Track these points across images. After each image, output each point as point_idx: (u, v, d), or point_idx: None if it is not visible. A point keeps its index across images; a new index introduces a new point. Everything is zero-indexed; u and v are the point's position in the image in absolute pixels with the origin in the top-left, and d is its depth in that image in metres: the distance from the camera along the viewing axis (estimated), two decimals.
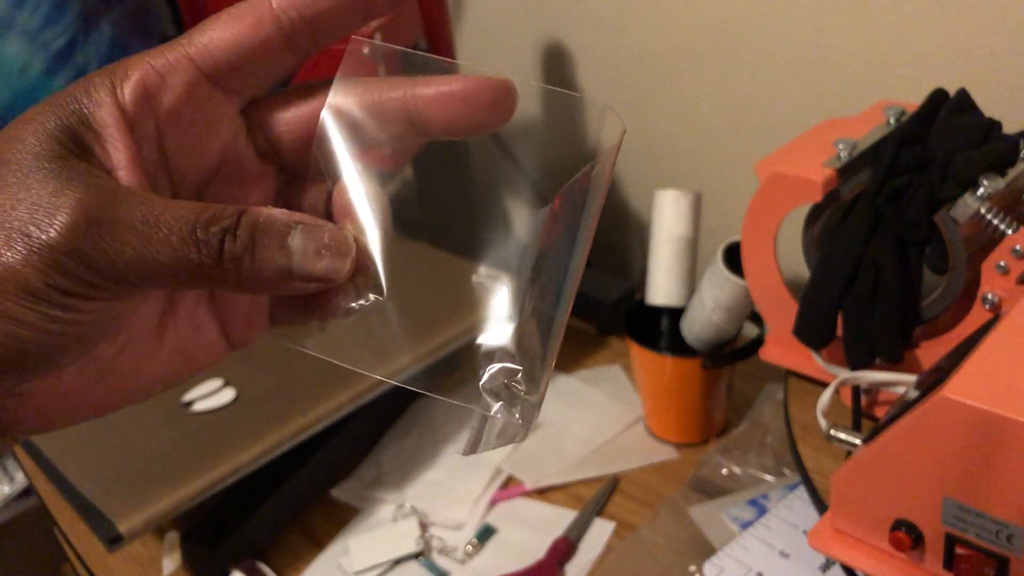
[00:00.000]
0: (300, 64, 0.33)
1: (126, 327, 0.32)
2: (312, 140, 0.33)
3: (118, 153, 0.29)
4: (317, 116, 0.33)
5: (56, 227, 0.27)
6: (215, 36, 0.31)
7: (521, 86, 0.34)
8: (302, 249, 0.29)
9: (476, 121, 0.33)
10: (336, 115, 0.33)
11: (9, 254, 0.26)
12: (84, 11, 1.11)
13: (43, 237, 0.27)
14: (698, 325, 0.81)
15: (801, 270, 0.71)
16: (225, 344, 0.35)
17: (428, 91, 0.33)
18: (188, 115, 0.31)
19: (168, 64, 0.30)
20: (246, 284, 0.29)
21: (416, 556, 0.77)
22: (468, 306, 0.91)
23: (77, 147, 0.29)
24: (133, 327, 0.32)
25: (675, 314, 0.86)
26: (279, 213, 0.29)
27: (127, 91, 0.30)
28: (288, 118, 0.33)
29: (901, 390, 0.65)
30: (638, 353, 0.84)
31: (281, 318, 0.35)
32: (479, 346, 0.33)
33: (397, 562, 0.77)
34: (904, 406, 0.52)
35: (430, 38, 0.90)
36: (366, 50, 0.83)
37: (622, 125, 0.34)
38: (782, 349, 0.74)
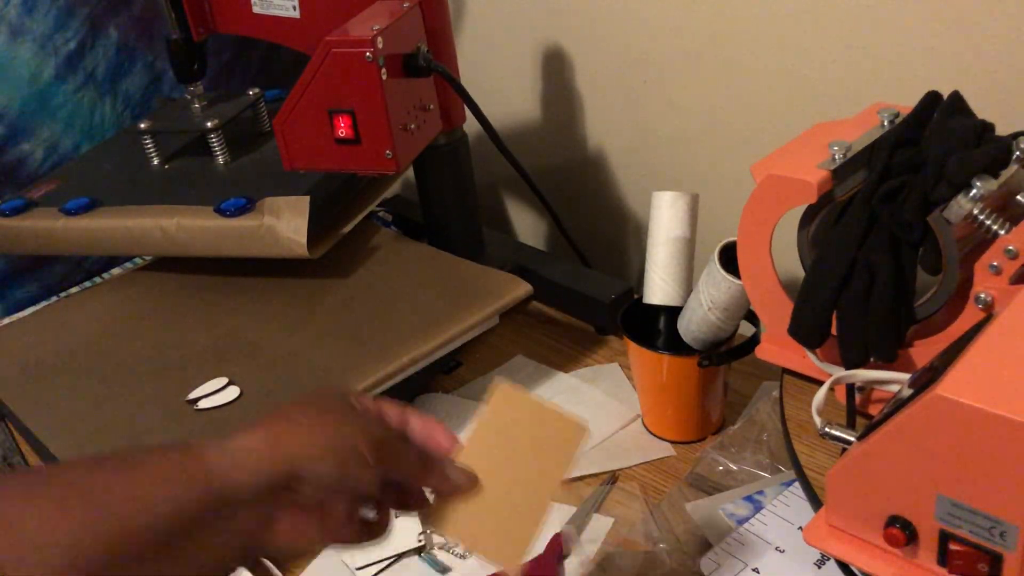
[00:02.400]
0: None
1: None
2: None
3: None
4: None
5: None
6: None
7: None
8: (456, 475, 0.58)
9: None
10: None
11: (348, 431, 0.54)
12: (92, 15, 1.11)
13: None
14: (695, 324, 0.82)
15: (796, 270, 0.72)
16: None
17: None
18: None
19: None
20: (433, 483, 0.59)
21: (417, 551, 0.78)
22: (468, 305, 0.92)
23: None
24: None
25: (672, 313, 0.86)
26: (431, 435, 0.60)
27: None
28: None
29: (895, 388, 0.65)
30: (636, 352, 0.84)
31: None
32: None
33: (399, 557, 0.77)
34: (898, 404, 0.53)
35: (432, 43, 0.91)
36: (368, 55, 0.84)
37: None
38: (778, 348, 0.75)
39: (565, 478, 0.60)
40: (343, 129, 0.82)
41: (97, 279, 1.17)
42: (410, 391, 0.95)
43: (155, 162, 1.06)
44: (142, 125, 1.04)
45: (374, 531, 0.58)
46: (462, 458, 0.59)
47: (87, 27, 1.11)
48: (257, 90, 1.10)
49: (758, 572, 0.70)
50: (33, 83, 1.09)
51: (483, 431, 0.61)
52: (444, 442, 0.59)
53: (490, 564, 0.60)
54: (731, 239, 0.76)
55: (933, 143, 0.64)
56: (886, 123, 0.71)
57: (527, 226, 1.33)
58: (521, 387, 0.62)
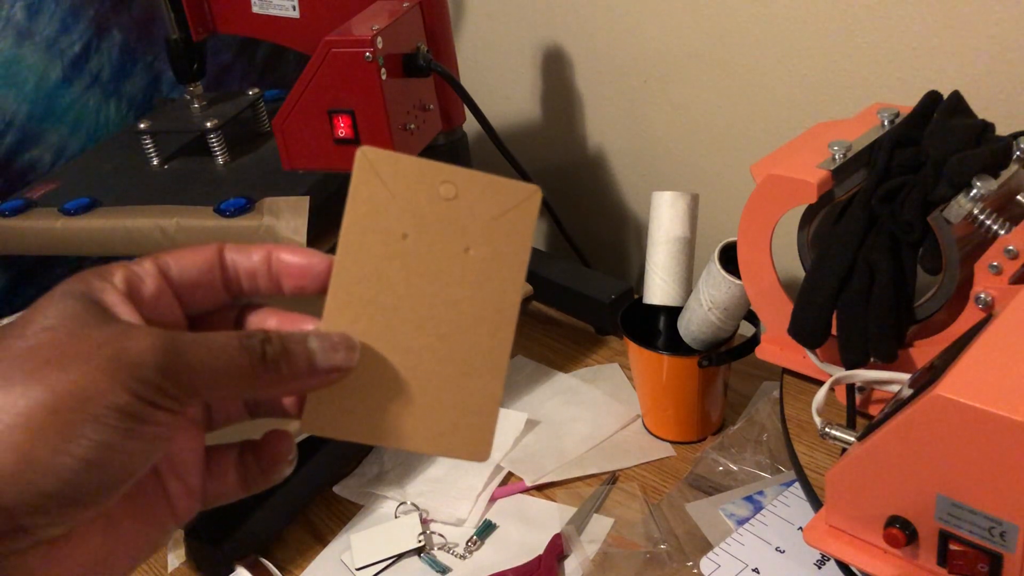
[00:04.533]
0: (232, 298, 0.40)
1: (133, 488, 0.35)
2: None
3: (131, 318, 0.36)
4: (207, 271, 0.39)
5: (141, 349, 0.32)
6: (172, 259, 0.38)
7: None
8: (320, 348, 0.36)
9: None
10: None
11: (99, 377, 0.31)
12: (96, 17, 1.12)
13: (131, 356, 0.32)
14: (695, 324, 0.82)
15: (796, 270, 0.72)
16: (173, 518, 0.39)
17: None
18: (162, 300, 0.38)
19: (143, 269, 0.37)
20: (285, 381, 0.36)
21: (417, 552, 0.78)
22: None
23: (106, 313, 0.35)
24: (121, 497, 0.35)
25: (672, 313, 0.86)
26: (293, 328, 0.39)
27: (117, 282, 0.36)
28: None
29: (895, 388, 0.65)
30: (636, 352, 0.84)
31: (215, 496, 0.41)
32: None
33: (399, 558, 0.77)
34: (898, 404, 0.52)
35: (432, 43, 0.91)
36: (368, 55, 0.84)
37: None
38: (778, 348, 0.75)
39: (522, 285, 0.39)
40: (343, 129, 0.82)
41: None
42: None
43: (154, 162, 1.06)
44: (141, 125, 1.04)
45: (252, 477, 0.41)
46: (334, 303, 0.38)
47: (92, 29, 1.12)
48: (257, 90, 1.10)
49: (758, 572, 0.70)
50: (40, 86, 1.09)
51: (357, 246, 0.38)
52: (304, 281, 0.39)
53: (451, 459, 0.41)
54: (731, 239, 0.76)
55: (933, 143, 0.64)
56: (886, 123, 0.71)
57: None
58: (398, 153, 0.38)
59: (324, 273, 0.39)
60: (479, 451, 0.38)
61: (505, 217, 0.38)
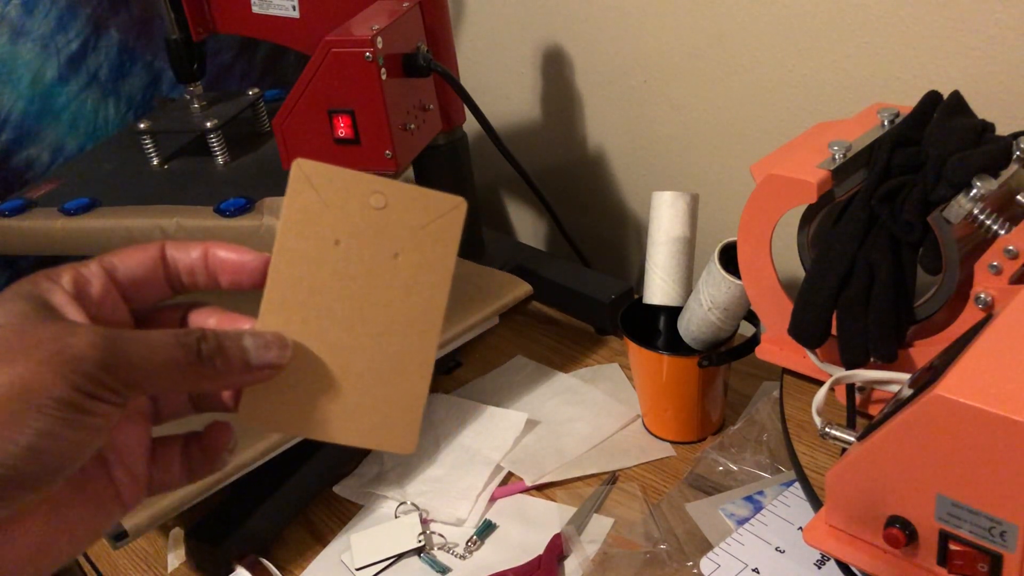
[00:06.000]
0: (175, 292, 0.43)
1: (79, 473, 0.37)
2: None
3: (78, 317, 0.38)
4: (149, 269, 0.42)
5: (82, 345, 0.34)
6: (118, 260, 0.41)
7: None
8: (254, 346, 0.39)
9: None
10: None
11: (42, 371, 0.33)
12: (94, 15, 1.11)
13: (72, 352, 0.34)
14: (695, 324, 0.82)
15: (796, 270, 0.72)
16: (119, 505, 0.41)
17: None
18: (108, 299, 0.40)
19: (89, 271, 0.40)
20: (221, 376, 0.38)
21: (417, 552, 0.78)
22: (467, 305, 0.92)
23: (53, 313, 0.37)
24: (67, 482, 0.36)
25: (672, 313, 0.86)
26: (231, 327, 0.41)
27: (65, 284, 0.38)
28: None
29: (895, 388, 0.65)
30: (636, 352, 0.84)
31: (160, 484, 0.42)
32: None
33: (399, 558, 0.77)
34: (898, 404, 0.52)
35: (432, 43, 0.91)
36: (368, 55, 0.84)
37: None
38: (778, 348, 0.75)
39: (448, 290, 0.41)
40: (343, 129, 0.82)
41: None
42: None
43: (154, 162, 1.06)
44: (141, 125, 1.04)
45: (195, 467, 0.43)
46: (269, 304, 0.40)
47: (89, 27, 1.11)
48: (257, 90, 1.10)
49: (758, 572, 0.70)
50: (36, 84, 1.09)
51: (291, 252, 0.40)
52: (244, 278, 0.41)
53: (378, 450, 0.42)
54: (731, 239, 0.76)
55: (933, 143, 0.64)
56: (886, 123, 0.71)
57: (527, 226, 1.33)
58: (331, 166, 0.40)
59: (257, 269, 0.41)
60: (405, 443, 0.41)
61: (432, 226, 0.41)
